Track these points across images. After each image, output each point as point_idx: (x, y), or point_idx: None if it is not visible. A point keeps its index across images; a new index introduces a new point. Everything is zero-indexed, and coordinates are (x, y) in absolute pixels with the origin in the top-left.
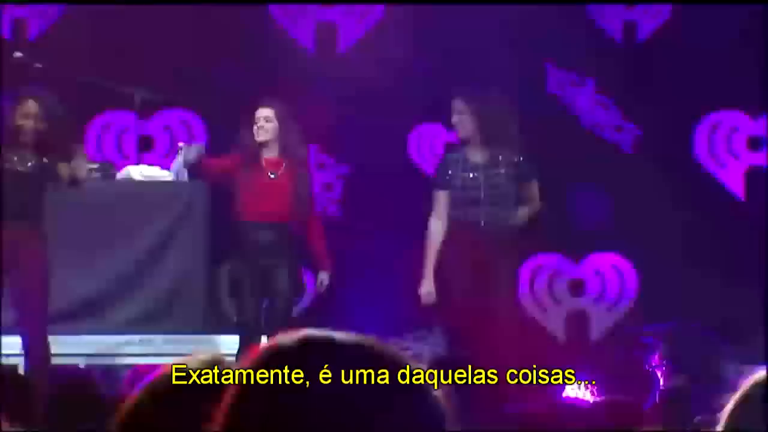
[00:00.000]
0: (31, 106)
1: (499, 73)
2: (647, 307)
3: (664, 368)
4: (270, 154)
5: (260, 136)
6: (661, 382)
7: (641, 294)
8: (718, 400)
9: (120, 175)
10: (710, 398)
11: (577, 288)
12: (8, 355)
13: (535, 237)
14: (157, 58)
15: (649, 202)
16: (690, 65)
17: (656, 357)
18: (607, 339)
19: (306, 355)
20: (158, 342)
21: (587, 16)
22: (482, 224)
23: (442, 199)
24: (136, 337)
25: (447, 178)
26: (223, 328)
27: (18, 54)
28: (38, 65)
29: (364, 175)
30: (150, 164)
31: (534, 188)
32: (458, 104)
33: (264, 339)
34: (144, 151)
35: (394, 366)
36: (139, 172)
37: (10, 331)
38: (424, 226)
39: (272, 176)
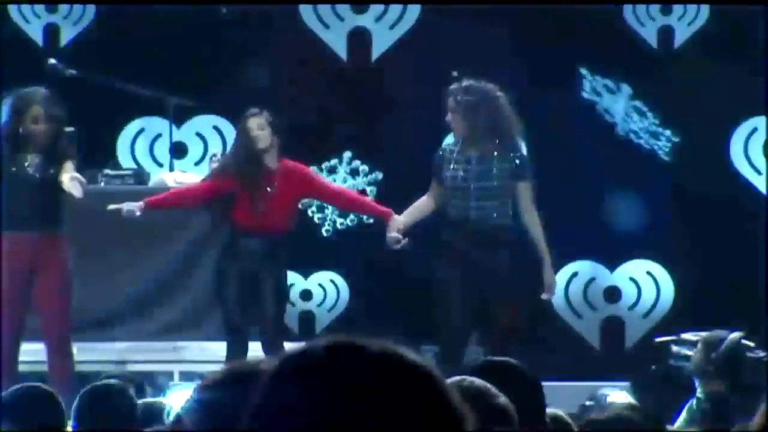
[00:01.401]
0: (41, 109)
1: (533, 77)
2: (683, 314)
3: (700, 376)
4: (268, 163)
5: (260, 143)
6: (698, 390)
7: (677, 301)
8: (757, 407)
9: (153, 181)
10: (748, 406)
11: (613, 295)
12: (31, 362)
13: (570, 243)
14: (190, 63)
15: (685, 209)
16: (726, 71)
17: (692, 365)
18: (642, 347)
19: (332, 361)
20: (193, 349)
21: (623, 21)
22: (472, 218)
23: (433, 186)
24: (171, 344)
25: (439, 172)
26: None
27: (52, 61)
28: (72, 72)
29: (398, 182)
30: (183, 170)
31: (526, 188)
32: (451, 101)
33: (257, 345)
34: (177, 157)
35: (417, 372)
36: (172, 178)
37: (34, 338)
38: None
39: (269, 190)
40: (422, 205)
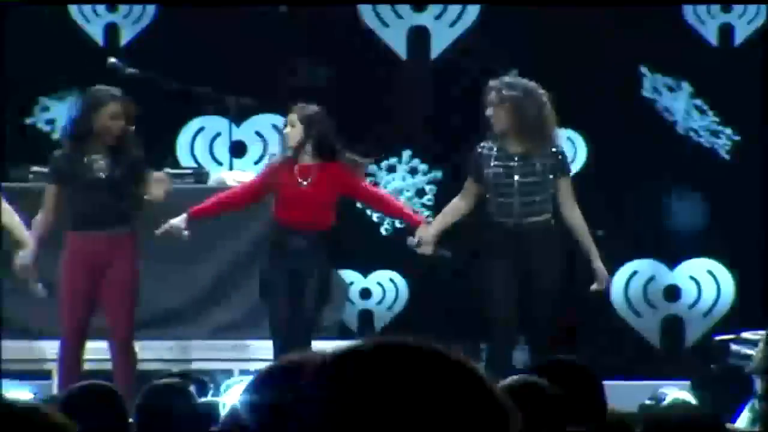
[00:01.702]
0: (118, 107)
1: (593, 76)
2: (743, 313)
3: (761, 375)
4: (303, 160)
5: (289, 141)
6: (758, 389)
7: (737, 300)
8: None
9: (213, 180)
10: None
11: (673, 294)
12: (94, 360)
13: (630, 242)
14: (249, 61)
15: (745, 207)
16: None
17: (752, 364)
18: (702, 346)
19: (379, 360)
20: (253, 347)
21: (682, 19)
22: (516, 215)
23: (469, 185)
24: (231, 343)
25: (479, 170)
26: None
27: (112, 60)
28: (132, 71)
29: (457, 181)
30: (242, 169)
31: (567, 182)
32: (493, 96)
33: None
34: (236, 156)
35: (462, 372)
36: (232, 177)
37: (97, 336)
38: None
39: (304, 183)
40: (456, 208)
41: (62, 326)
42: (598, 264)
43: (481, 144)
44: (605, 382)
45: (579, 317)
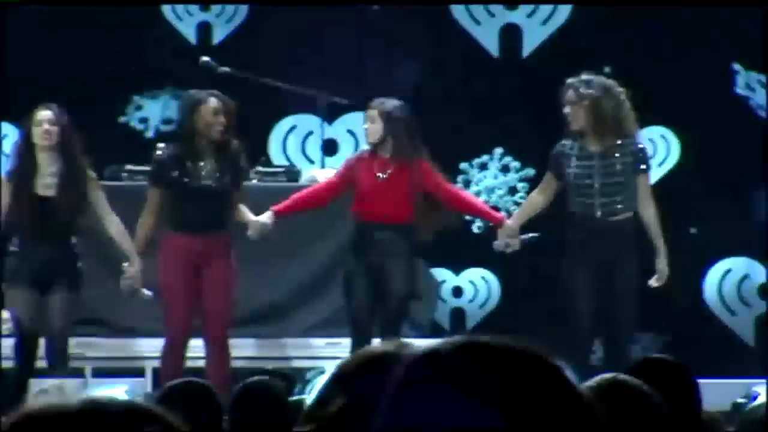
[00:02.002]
0: (218, 103)
1: (687, 73)
2: None
3: None
4: (382, 154)
5: (368, 137)
6: None
7: None
8: None
9: (305, 178)
10: None
11: (766, 292)
12: (189, 357)
13: (724, 240)
14: (341, 59)
15: None
16: None
17: None
18: None
19: (461, 359)
20: (344, 344)
21: None
22: (598, 215)
23: (549, 179)
24: (324, 341)
25: (559, 168)
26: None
27: (205, 58)
28: (224, 69)
29: None
30: (334, 167)
31: (646, 179)
32: (571, 94)
33: (376, 341)
34: (328, 154)
35: (546, 370)
36: (324, 175)
37: (195, 335)
38: None
39: (381, 177)
40: (535, 202)
41: (166, 326)
42: (662, 265)
43: (562, 142)
44: (698, 381)
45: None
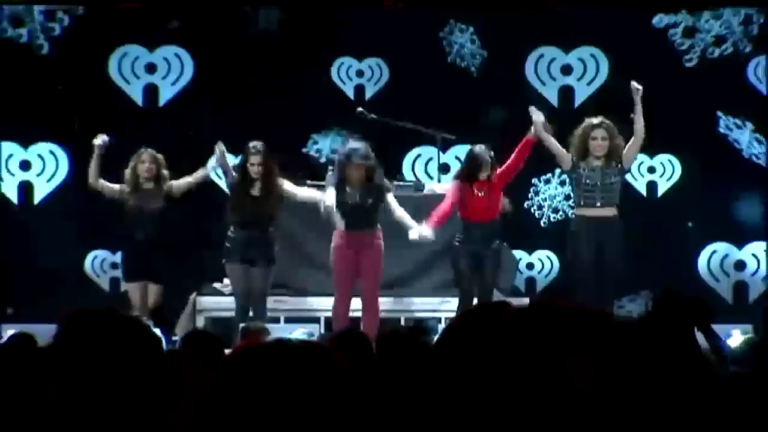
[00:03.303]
0: (362, 158)
1: (685, 117)
2: None
3: None
4: (482, 176)
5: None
6: None
7: None
8: None
9: (426, 189)
10: None
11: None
12: (353, 311)
13: (711, 229)
14: (451, 109)
15: None
16: None
17: None
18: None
19: (546, 317)
20: (454, 303)
21: (745, 78)
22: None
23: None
24: (440, 299)
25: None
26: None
27: (359, 109)
28: (373, 116)
29: None
30: (446, 182)
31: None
32: (602, 132)
33: (475, 301)
34: (443, 173)
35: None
36: (440, 187)
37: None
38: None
39: (480, 194)
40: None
41: (336, 290)
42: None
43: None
44: None
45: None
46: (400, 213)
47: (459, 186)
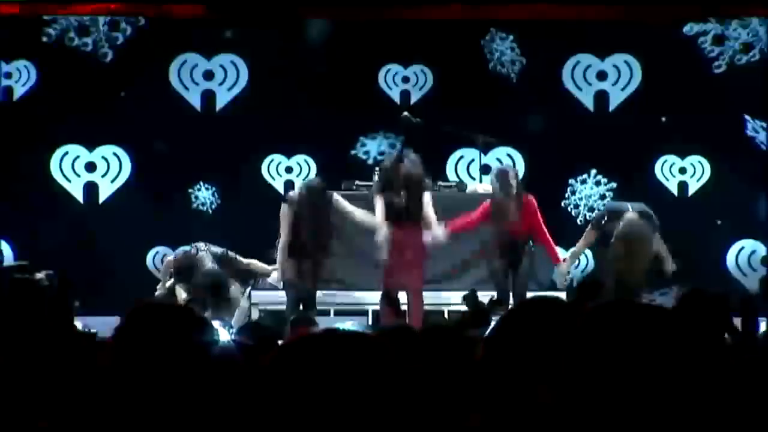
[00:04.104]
0: (402, 165)
1: (716, 120)
2: None
3: None
4: (511, 217)
5: (510, 195)
6: None
7: None
8: None
9: (468, 190)
10: None
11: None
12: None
13: (737, 229)
14: (494, 113)
15: None
16: None
17: None
18: None
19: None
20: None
21: None
22: None
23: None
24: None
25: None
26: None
27: (405, 114)
28: (417, 120)
29: (627, 190)
30: (488, 183)
31: None
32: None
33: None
34: (484, 174)
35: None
36: (481, 188)
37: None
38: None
39: (513, 219)
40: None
41: (384, 283)
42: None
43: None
44: None
45: None
46: (428, 211)
47: (489, 208)
